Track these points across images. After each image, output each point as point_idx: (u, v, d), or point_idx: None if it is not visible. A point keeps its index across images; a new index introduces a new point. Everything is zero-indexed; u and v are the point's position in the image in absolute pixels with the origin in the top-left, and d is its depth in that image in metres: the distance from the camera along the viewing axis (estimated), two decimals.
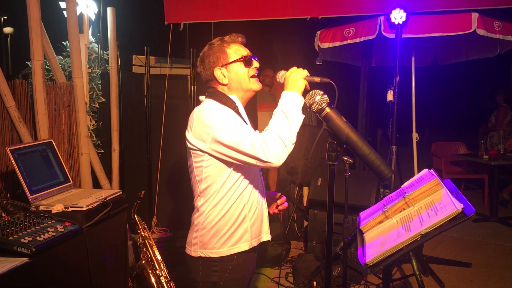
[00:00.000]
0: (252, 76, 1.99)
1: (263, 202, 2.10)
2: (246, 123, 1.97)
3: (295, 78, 1.85)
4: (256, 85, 2.00)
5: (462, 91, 9.04)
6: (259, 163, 1.77)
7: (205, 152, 1.87)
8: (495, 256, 4.63)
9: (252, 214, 2.00)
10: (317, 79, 1.82)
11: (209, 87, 2.02)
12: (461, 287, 3.92)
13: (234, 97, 1.98)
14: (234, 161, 1.84)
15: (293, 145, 1.78)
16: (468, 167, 6.77)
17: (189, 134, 1.92)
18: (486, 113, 7.45)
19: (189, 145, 1.92)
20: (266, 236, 2.12)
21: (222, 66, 1.96)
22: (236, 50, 1.97)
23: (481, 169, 6.53)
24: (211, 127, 1.81)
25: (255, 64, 2.00)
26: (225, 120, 1.83)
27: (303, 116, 1.83)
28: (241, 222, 1.97)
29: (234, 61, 1.96)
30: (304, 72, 1.86)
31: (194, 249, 1.98)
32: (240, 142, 1.77)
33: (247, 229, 1.99)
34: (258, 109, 5.78)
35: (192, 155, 1.94)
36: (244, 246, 1.98)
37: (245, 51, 1.98)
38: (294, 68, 1.89)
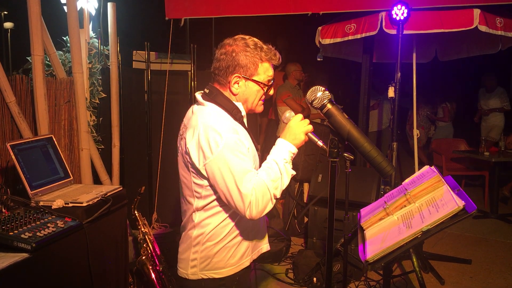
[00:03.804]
0: (261, 99, 1.87)
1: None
2: (249, 133, 1.86)
3: (298, 132, 1.74)
4: (260, 108, 1.90)
5: (463, 88, 9.03)
6: (237, 210, 1.67)
7: (198, 170, 1.71)
8: (495, 253, 4.63)
9: (254, 228, 1.90)
10: (320, 143, 1.75)
11: (214, 80, 1.84)
12: (461, 284, 3.92)
13: (239, 104, 1.82)
14: (216, 190, 1.71)
15: (275, 201, 1.72)
16: (468, 164, 6.77)
17: (191, 144, 1.71)
18: None
19: (187, 156, 1.74)
20: (266, 247, 2.02)
21: (243, 77, 1.78)
22: (266, 70, 1.80)
23: (482, 166, 6.53)
24: (218, 147, 1.64)
25: (271, 92, 1.88)
26: (234, 144, 1.66)
27: (294, 172, 1.77)
28: (243, 238, 1.85)
29: (257, 82, 1.80)
30: (308, 127, 1.76)
31: (194, 272, 1.81)
32: (239, 181, 1.63)
33: (249, 245, 1.89)
34: (281, 104, 5.77)
35: (190, 170, 1.76)
36: (246, 263, 1.88)
37: (272, 74, 1.83)
38: (299, 117, 1.78)
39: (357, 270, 3.88)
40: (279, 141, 1.77)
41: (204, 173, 1.70)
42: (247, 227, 1.85)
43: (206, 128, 1.68)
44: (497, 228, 5.44)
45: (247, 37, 1.82)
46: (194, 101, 1.89)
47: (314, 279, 3.74)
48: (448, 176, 2.01)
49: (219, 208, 1.78)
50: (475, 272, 4.15)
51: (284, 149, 1.74)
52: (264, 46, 1.80)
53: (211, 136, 1.65)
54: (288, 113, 1.84)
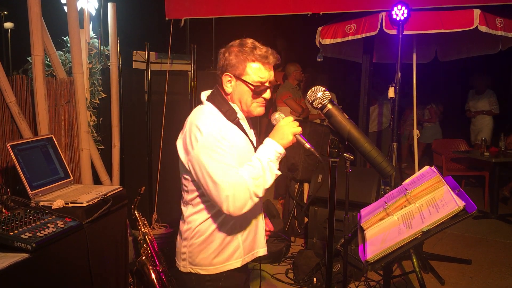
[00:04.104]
0: (257, 101, 1.85)
1: (260, 215, 1.99)
2: (247, 135, 1.88)
3: (286, 132, 1.75)
4: (257, 110, 1.87)
5: (463, 88, 9.05)
6: (215, 204, 1.71)
7: (184, 164, 1.79)
8: (495, 253, 4.63)
9: (244, 228, 1.89)
10: (307, 145, 1.76)
11: (216, 82, 1.90)
12: (461, 284, 3.92)
13: (235, 106, 1.86)
14: (200, 185, 1.75)
15: (258, 199, 1.72)
16: (469, 164, 6.77)
17: (179, 140, 1.83)
18: None
19: (177, 150, 1.84)
20: (262, 251, 2.00)
21: (233, 76, 1.81)
22: (257, 71, 1.79)
23: (482, 166, 6.53)
24: (197, 143, 1.71)
25: (266, 95, 1.84)
26: (214, 140, 1.70)
27: (279, 173, 1.75)
28: (232, 237, 1.86)
29: (245, 82, 1.80)
30: (297, 129, 1.77)
31: (184, 265, 1.88)
32: (215, 176, 1.67)
33: (239, 245, 1.88)
34: (281, 104, 5.80)
35: (180, 164, 1.86)
36: (236, 263, 1.88)
37: (266, 77, 1.81)
38: (289, 119, 1.79)
39: (357, 271, 3.88)
40: (266, 140, 1.78)
41: (187, 167, 1.78)
42: (234, 228, 1.86)
43: (191, 126, 1.76)
44: (497, 228, 5.44)
45: (248, 39, 1.83)
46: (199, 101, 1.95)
47: (314, 279, 3.74)
48: (448, 177, 2.01)
49: (203, 205, 1.84)
50: (475, 273, 4.15)
51: (270, 148, 1.75)
52: (260, 47, 1.80)
53: (193, 132, 1.73)
54: (278, 115, 1.85)
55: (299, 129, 1.78)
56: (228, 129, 1.78)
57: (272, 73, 1.85)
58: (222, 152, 1.70)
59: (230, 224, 1.84)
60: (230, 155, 1.72)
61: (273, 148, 1.74)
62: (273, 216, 4.71)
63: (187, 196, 1.87)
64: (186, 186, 1.86)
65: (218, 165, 1.68)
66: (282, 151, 1.76)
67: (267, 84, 1.83)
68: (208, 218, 1.84)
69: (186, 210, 1.89)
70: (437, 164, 6.76)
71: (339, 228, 2.39)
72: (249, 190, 1.67)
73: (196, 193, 1.83)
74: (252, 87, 1.81)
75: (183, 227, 1.90)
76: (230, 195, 1.65)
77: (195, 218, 1.85)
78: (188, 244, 1.86)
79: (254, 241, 1.96)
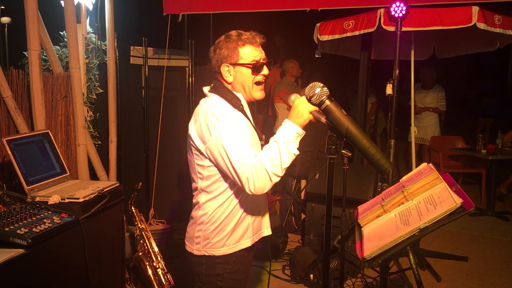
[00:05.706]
0: (257, 83, 1.97)
1: (264, 196, 2.10)
2: (251, 122, 1.99)
3: (302, 111, 1.77)
4: (258, 94, 1.99)
5: (461, 86, 9.03)
6: (239, 185, 1.80)
7: (201, 152, 1.88)
8: (491, 250, 4.65)
9: (253, 210, 2.02)
10: (323, 119, 1.75)
11: (215, 78, 2.02)
12: (457, 281, 3.93)
13: (240, 95, 1.97)
14: (221, 170, 1.86)
15: (279, 178, 1.79)
16: (466, 161, 6.77)
17: (192, 129, 1.91)
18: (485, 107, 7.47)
19: (190, 140, 1.93)
20: (267, 231, 2.14)
21: (230, 64, 1.94)
22: (249, 52, 1.93)
23: (479, 163, 6.53)
24: (215, 129, 1.81)
25: (264, 71, 1.97)
26: (231, 126, 1.81)
27: (297, 152, 1.79)
28: (243, 219, 1.99)
29: (242, 64, 1.93)
30: (312, 106, 1.78)
31: (197, 248, 1.99)
32: (236, 160, 1.76)
33: (249, 226, 2.01)
34: (278, 101, 5.81)
35: (193, 152, 1.94)
36: (246, 243, 2.01)
37: (258, 55, 1.94)
38: (304, 98, 1.81)
39: (354, 267, 3.88)
40: (284, 122, 1.83)
41: (206, 154, 1.87)
42: (246, 211, 1.99)
43: (206, 114, 1.85)
44: (493, 225, 5.46)
45: (231, 31, 1.96)
46: (202, 95, 2.05)
47: (311, 276, 3.74)
48: (445, 174, 2.00)
49: (219, 191, 1.94)
50: (472, 269, 4.16)
51: (287, 129, 1.79)
52: (244, 33, 1.94)
53: (209, 120, 1.82)
54: (294, 96, 1.87)
55: (314, 106, 1.79)
56: (237, 117, 1.90)
57: (263, 52, 1.97)
58: (239, 137, 1.80)
59: (243, 208, 1.97)
60: (246, 140, 1.83)
61: (290, 129, 1.79)
62: (270, 213, 4.70)
63: (202, 184, 1.95)
64: (201, 174, 1.94)
65: (237, 150, 1.77)
66: (300, 130, 1.79)
67: (262, 61, 1.95)
68: (223, 203, 1.94)
69: (201, 197, 1.98)
70: (434, 161, 6.76)
71: (336, 225, 2.39)
72: (267, 171, 1.74)
73: (213, 180, 1.93)
74: (250, 66, 1.93)
75: (197, 213, 1.99)
76: (250, 177, 1.74)
77: (211, 204, 1.95)
78: (203, 228, 1.97)
79: (261, 222, 2.09)
